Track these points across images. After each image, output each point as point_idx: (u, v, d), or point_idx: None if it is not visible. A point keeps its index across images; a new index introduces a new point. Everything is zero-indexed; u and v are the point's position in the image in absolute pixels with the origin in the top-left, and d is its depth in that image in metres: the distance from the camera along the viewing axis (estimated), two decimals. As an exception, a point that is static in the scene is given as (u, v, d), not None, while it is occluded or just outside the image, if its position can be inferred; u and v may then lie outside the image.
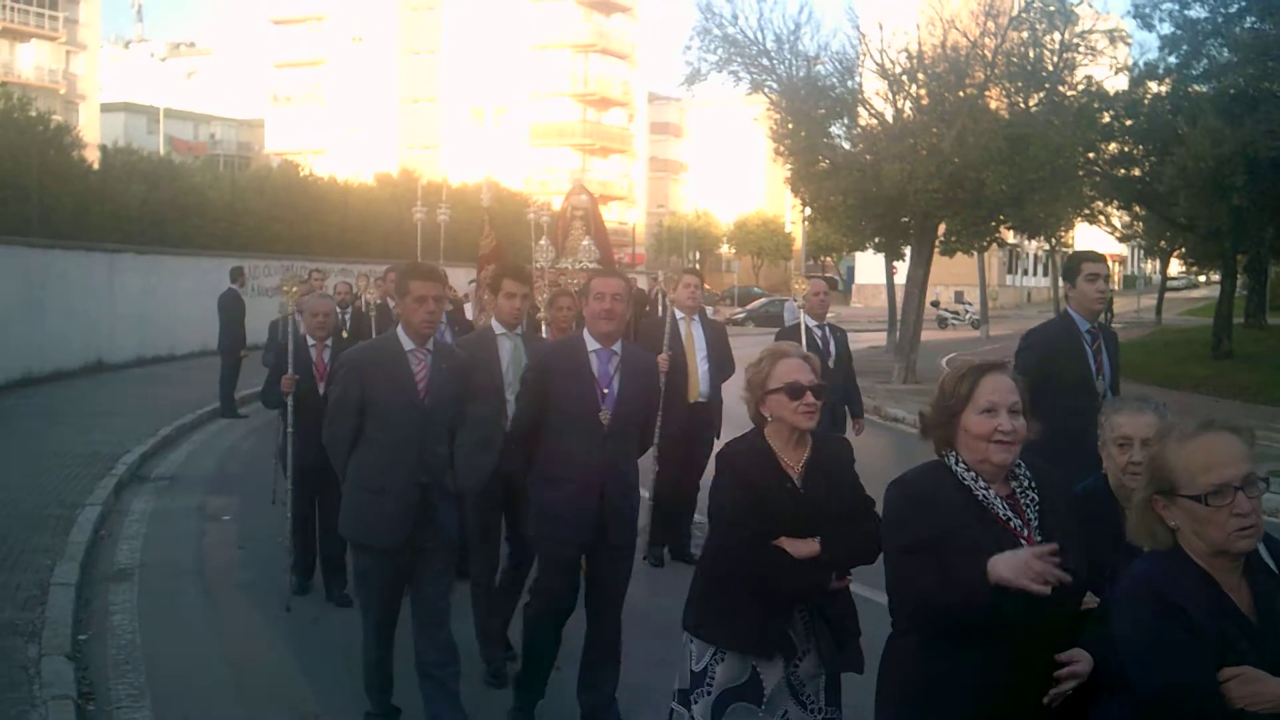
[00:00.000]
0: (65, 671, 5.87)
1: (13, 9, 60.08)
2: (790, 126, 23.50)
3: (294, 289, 7.82)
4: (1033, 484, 3.08)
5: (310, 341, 7.56)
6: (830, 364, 8.40)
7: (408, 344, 5.11)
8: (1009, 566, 2.76)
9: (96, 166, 26.05)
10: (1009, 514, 3.00)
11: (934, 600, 2.90)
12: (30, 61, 61.07)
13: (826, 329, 8.79)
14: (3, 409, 15.40)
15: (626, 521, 5.29)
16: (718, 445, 8.05)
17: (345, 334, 10.17)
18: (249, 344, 15.99)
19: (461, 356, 5.47)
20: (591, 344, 5.18)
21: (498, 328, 6.04)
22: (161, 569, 8.23)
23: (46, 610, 6.78)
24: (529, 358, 5.73)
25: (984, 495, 3.00)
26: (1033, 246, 71.67)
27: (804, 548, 3.65)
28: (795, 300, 16.42)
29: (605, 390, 5.11)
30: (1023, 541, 2.92)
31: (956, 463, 3.05)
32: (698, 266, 70.94)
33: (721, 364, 8.53)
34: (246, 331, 15.98)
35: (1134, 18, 25.23)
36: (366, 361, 5.17)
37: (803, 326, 8.24)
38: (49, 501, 9.70)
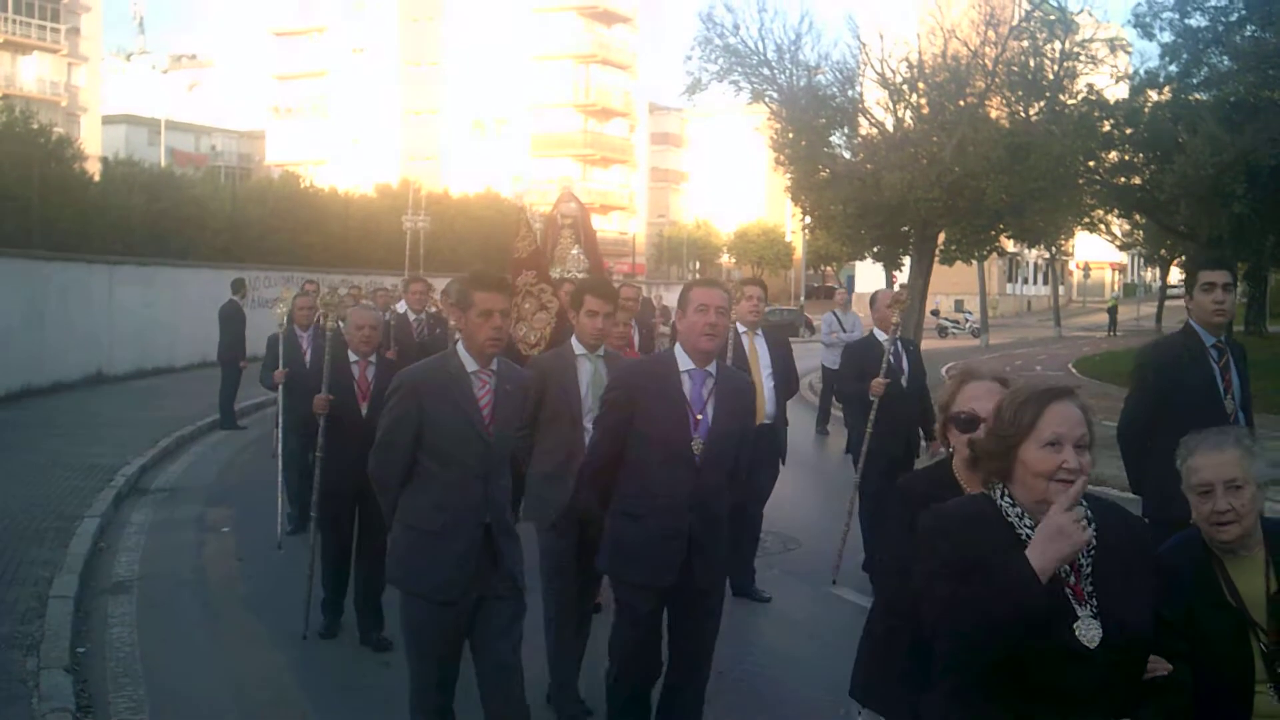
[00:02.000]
0: (64, 684, 5.83)
1: (14, 22, 60.26)
2: (791, 136, 23.58)
3: (334, 300, 7.04)
4: (1089, 523, 2.66)
5: (353, 358, 6.79)
6: (903, 383, 7.88)
7: (470, 364, 4.48)
8: (1043, 545, 2.48)
9: (98, 179, 26.11)
10: None
11: (986, 619, 2.50)
12: (32, 74, 61.26)
13: (898, 343, 8.03)
14: (2, 421, 15.36)
15: (715, 565, 4.64)
16: (781, 469, 7.83)
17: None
18: (249, 355, 15.97)
19: (525, 375, 4.87)
20: (685, 363, 4.52)
21: (578, 347, 5.47)
22: (161, 581, 8.18)
23: (45, 623, 6.74)
24: (612, 374, 5.06)
25: (1029, 536, 2.62)
26: (1033, 255, 71.73)
27: None
28: (836, 313, 15.74)
29: (699, 416, 4.47)
30: (1068, 591, 2.58)
31: (1003, 496, 2.70)
32: (700, 272, 70.93)
33: (787, 380, 7.76)
34: (247, 343, 15.96)
35: (1134, 26, 25.34)
36: (424, 384, 4.50)
37: (887, 343, 7.80)
38: (48, 513, 9.66)
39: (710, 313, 4.44)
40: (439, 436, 4.44)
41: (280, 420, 9.78)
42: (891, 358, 7.76)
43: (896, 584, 3.24)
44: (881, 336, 7.88)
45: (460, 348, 4.54)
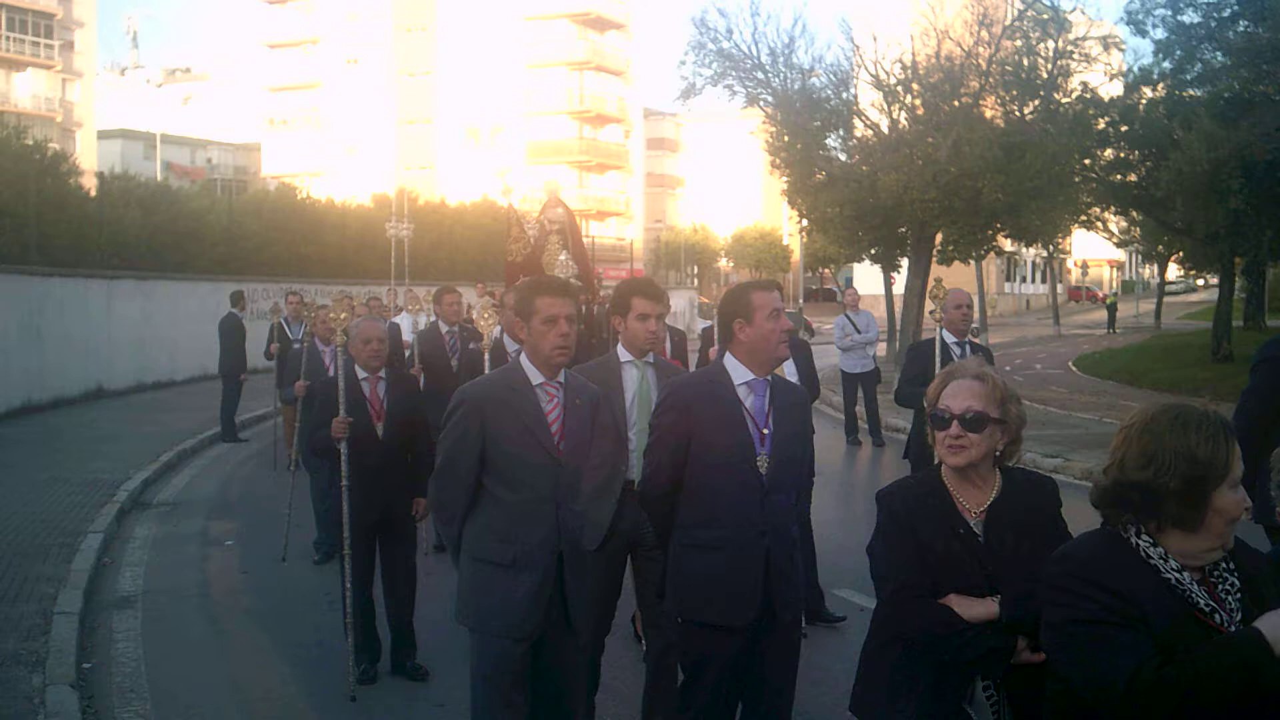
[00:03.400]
0: (70, 701, 5.84)
1: (8, 38, 60.33)
2: (786, 139, 23.59)
3: (342, 315, 6.36)
4: (1229, 562, 2.46)
5: (362, 374, 6.29)
6: None
7: (536, 376, 4.16)
8: None
9: (94, 193, 26.07)
10: (1210, 604, 2.38)
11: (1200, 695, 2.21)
12: (26, 90, 61.32)
13: (967, 347, 7.44)
14: (3, 437, 15.35)
15: (795, 594, 4.23)
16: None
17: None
18: (250, 368, 15.96)
19: (595, 389, 4.50)
20: (742, 374, 4.12)
21: (624, 354, 5.10)
22: (165, 595, 8.19)
23: (50, 639, 6.74)
24: (661, 391, 4.52)
25: (1177, 579, 2.37)
26: (1031, 254, 71.74)
27: (977, 608, 3.00)
28: (849, 315, 14.61)
29: (765, 431, 4.08)
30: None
31: (1139, 534, 2.43)
32: (698, 277, 70.84)
33: (811, 387, 7.42)
34: (247, 355, 15.95)
35: (1127, 24, 25.30)
36: (485, 399, 4.15)
37: (938, 343, 7.17)
38: (51, 530, 9.66)
39: (782, 318, 4.11)
40: (504, 457, 4.10)
41: (296, 439, 9.50)
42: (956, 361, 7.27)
43: (885, 596, 3.15)
44: (950, 339, 7.32)
45: (524, 359, 4.22)
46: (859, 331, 15.73)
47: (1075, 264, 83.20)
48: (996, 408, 3.11)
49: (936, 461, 3.24)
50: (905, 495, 3.19)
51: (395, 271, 15.75)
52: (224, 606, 8.01)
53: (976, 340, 7.57)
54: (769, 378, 4.18)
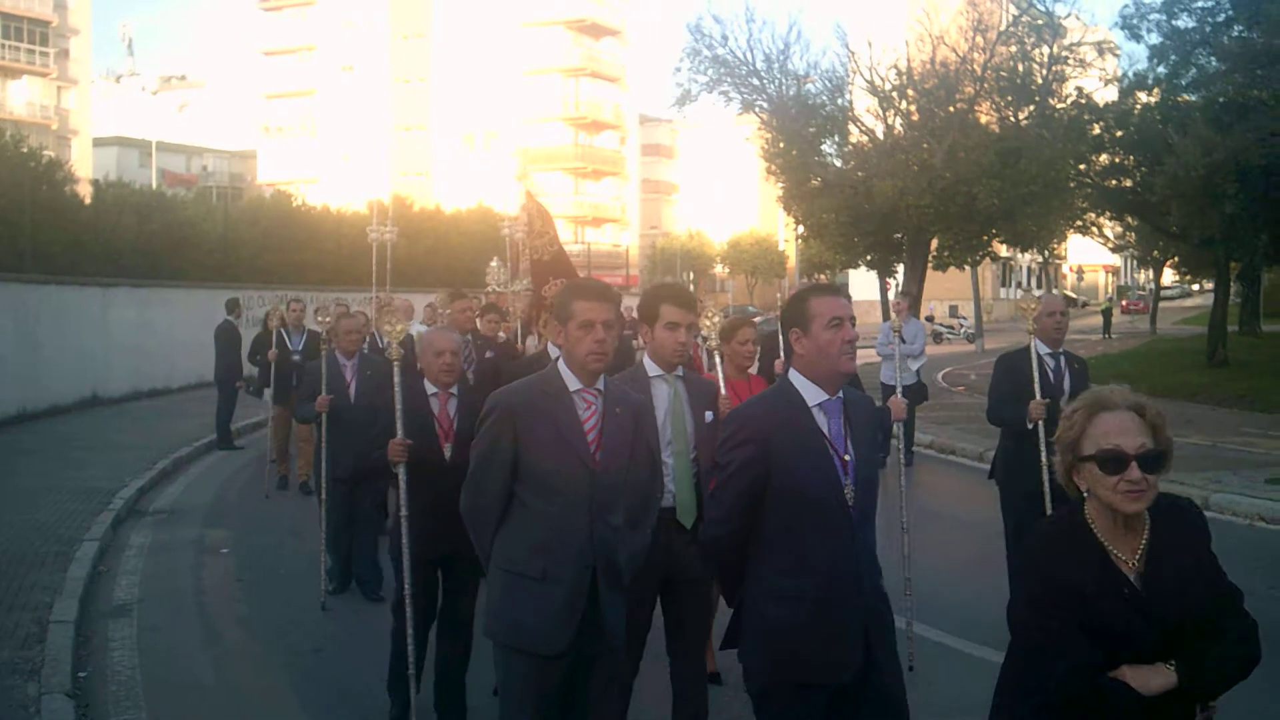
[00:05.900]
0: (66, 709, 5.81)
1: (3, 46, 60.33)
2: (781, 145, 23.62)
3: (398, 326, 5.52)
4: None
5: (431, 390, 5.66)
6: (1063, 404, 6.73)
7: (573, 383, 3.98)
8: None
9: (89, 201, 26.09)
10: None
11: None
12: (22, 98, 61.34)
13: (1062, 359, 6.83)
14: (-1, 446, 15.34)
15: (893, 643, 3.73)
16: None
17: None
18: (245, 375, 15.92)
19: (638, 399, 4.29)
20: (813, 394, 3.63)
21: (652, 368, 4.72)
22: (161, 603, 8.16)
23: (46, 648, 6.71)
24: (727, 420, 3.99)
25: None
26: (1026, 259, 71.86)
27: (1156, 679, 2.66)
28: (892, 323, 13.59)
29: (846, 457, 3.60)
30: None
31: None
32: (695, 284, 70.88)
33: None
34: (243, 363, 15.91)
35: (1121, 29, 25.39)
36: (519, 405, 3.97)
37: (1034, 354, 6.65)
38: (46, 538, 9.63)
39: (846, 327, 3.62)
40: (537, 465, 3.92)
41: (323, 462, 8.40)
42: (1051, 374, 6.71)
43: (1037, 662, 2.84)
44: (1043, 350, 6.83)
45: (561, 365, 4.04)
46: (904, 341, 14.58)
47: (1071, 269, 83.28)
48: (1161, 440, 2.80)
49: (1071, 501, 2.90)
50: (1055, 550, 2.83)
51: (379, 278, 15.62)
52: (220, 615, 7.98)
53: (1073, 352, 7.06)
54: (840, 395, 3.69)
